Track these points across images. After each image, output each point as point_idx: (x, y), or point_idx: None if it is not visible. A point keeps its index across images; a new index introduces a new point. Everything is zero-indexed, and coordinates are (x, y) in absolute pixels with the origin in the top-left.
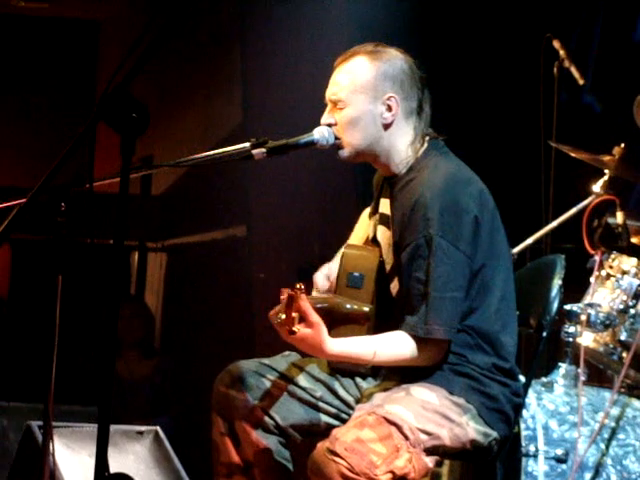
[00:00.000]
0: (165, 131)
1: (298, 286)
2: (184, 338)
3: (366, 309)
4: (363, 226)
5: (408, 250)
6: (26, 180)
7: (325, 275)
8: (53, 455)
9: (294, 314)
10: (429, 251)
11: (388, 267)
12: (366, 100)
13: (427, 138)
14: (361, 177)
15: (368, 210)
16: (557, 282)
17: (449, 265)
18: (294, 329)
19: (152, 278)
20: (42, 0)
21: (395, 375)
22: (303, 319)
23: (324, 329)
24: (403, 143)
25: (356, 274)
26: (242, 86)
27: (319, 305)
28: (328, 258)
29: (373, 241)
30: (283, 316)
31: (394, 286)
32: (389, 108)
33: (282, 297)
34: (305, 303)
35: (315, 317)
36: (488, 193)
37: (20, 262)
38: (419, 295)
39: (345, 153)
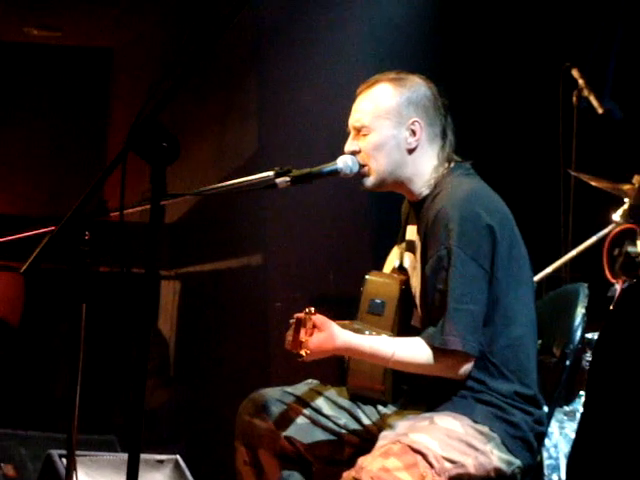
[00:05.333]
0: (179, 161)
1: (307, 310)
2: (199, 367)
3: (385, 336)
4: (393, 256)
5: (431, 262)
6: (40, 209)
7: None
8: None
9: (302, 338)
10: (449, 262)
11: (414, 291)
12: (390, 125)
13: (452, 163)
14: (376, 206)
15: None
16: (580, 311)
17: (466, 277)
18: (302, 353)
19: (166, 306)
20: (55, 28)
21: (416, 403)
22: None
23: (333, 325)
24: (427, 168)
25: (377, 301)
26: (257, 117)
27: None
28: (343, 287)
29: (400, 269)
30: (290, 339)
31: (418, 312)
32: (413, 133)
33: (291, 321)
34: (318, 316)
35: (327, 323)
36: (510, 217)
37: (38, 291)
38: (439, 307)
39: (370, 181)
